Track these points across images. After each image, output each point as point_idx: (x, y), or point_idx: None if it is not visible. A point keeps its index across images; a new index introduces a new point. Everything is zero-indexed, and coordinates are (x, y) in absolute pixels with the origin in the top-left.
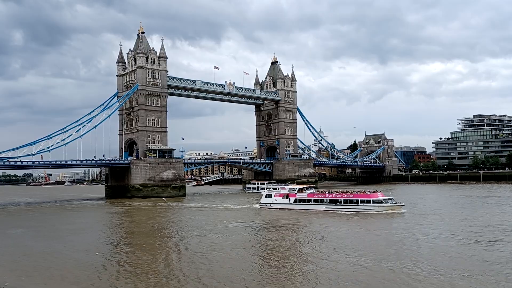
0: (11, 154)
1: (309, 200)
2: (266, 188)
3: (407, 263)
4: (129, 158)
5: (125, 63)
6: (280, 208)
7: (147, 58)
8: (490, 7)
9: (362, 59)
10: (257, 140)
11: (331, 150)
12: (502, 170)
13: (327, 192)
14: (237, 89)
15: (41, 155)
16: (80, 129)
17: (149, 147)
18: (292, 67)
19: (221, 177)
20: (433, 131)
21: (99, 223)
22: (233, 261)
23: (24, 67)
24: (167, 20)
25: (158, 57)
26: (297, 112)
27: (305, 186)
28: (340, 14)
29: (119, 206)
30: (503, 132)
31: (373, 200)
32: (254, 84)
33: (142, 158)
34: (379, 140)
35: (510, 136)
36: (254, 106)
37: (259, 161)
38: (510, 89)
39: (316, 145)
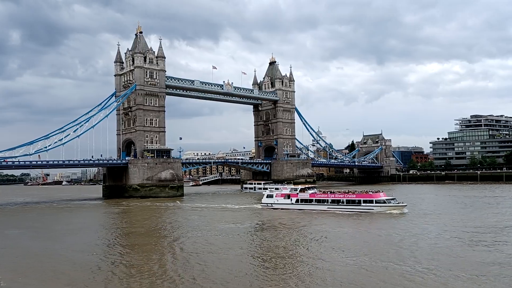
0: (9, 154)
1: (311, 200)
2: (264, 188)
3: (405, 264)
4: (127, 158)
5: (123, 63)
6: (281, 208)
7: (145, 58)
8: (488, 7)
9: (360, 59)
10: (255, 140)
11: (329, 150)
12: (499, 170)
13: (329, 192)
14: (235, 89)
15: (39, 155)
16: (77, 129)
17: (147, 147)
18: (290, 67)
19: (219, 177)
20: (430, 131)
21: (96, 223)
22: (229, 262)
23: (21, 67)
24: (165, 20)
25: (156, 57)
26: (295, 112)
27: (306, 186)
28: (338, 15)
29: (117, 206)
30: (500, 132)
31: (375, 200)
32: (252, 84)
33: (140, 158)
34: (377, 140)
35: (507, 136)
36: (252, 106)
37: (257, 161)
38: (507, 90)
39: (314, 145)
